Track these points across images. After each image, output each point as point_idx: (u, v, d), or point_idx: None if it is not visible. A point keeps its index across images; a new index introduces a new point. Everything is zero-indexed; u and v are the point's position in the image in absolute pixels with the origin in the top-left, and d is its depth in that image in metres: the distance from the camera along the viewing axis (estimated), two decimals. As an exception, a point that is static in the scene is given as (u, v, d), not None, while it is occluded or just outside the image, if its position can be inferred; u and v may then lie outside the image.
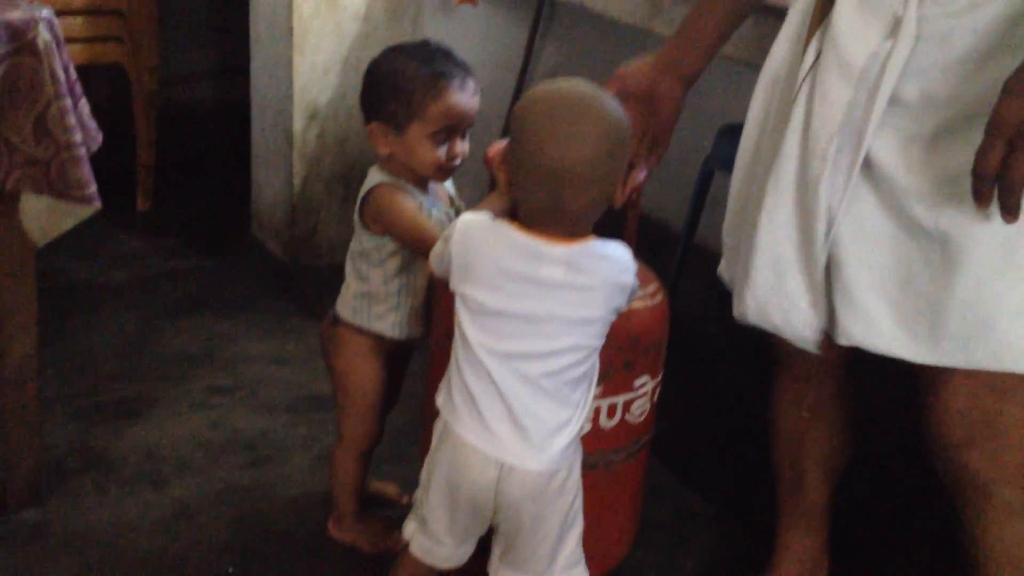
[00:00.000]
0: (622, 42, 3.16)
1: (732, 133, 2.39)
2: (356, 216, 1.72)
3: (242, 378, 2.40)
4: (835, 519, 1.77)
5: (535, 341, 1.35)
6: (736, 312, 1.52)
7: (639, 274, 1.73)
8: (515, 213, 1.41)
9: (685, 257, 2.48)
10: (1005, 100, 1.18)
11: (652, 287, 1.72)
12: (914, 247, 1.36)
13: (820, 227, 1.38)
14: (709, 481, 2.13)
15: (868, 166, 1.37)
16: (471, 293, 1.37)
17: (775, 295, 1.45)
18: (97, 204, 1.82)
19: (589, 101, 1.32)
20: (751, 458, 2.17)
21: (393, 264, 1.71)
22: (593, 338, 1.39)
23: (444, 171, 1.70)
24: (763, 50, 1.57)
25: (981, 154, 1.20)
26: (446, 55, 1.69)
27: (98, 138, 1.86)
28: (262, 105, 3.01)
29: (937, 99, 1.32)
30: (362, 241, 1.73)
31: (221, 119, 3.70)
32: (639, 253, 1.90)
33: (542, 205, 1.34)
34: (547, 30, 3.19)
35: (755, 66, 1.91)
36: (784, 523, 1.77)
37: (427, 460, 1.47)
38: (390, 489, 2.01)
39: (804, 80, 1.40)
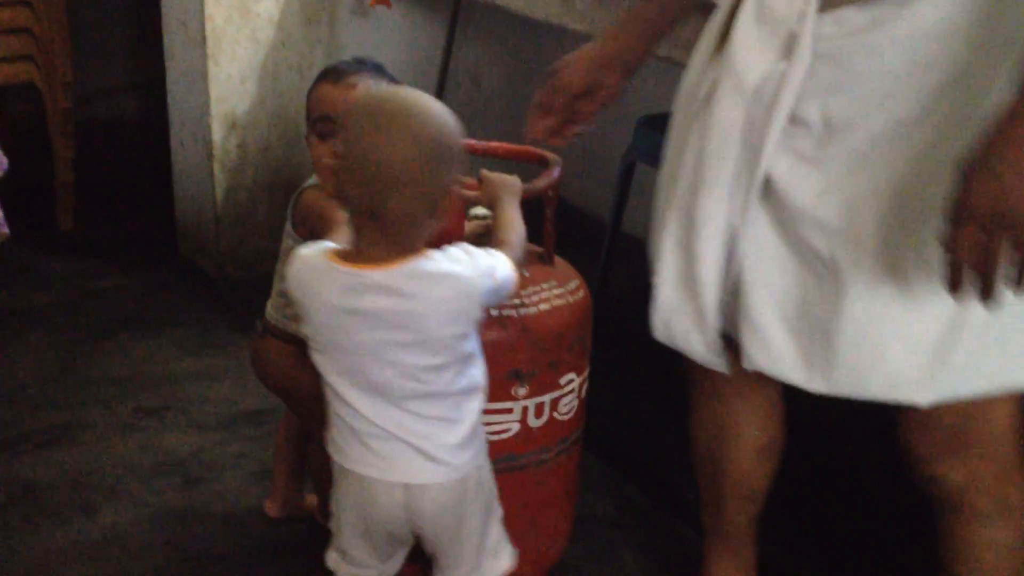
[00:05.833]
0: (538, 38, 3.16)
1: (651, 124, 2.40)
2: (288, 214, 1.70)
3: (171, 398, 2.36)
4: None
5: (384, 370, 1.31)
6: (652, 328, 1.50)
7: (559, 272, 1.73)
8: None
9: (613, 248, 2.49)
10: (970, 185, 1.11)
11: (573, 283, 1.72)
12: (808, 272, 1.34)
13: (706, 248, 1.37)
14: (646, 473, 2.13)
15: (768, 188, 1.34)
16: (313, 333, 1.35)
17: (677, 314, 1.44)
18: (5, 231, 1.78)
19: (411, 104, 1.29)
20: (687, 449, 2.18)
21: None
22: (452, 350, 1.33)
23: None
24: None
25: (953, 243, 1.13)
26: (357, 59, 1.71)
27: (2, 163, 1.82)
28: (180, 117, 2.96)
29: (838, 123, 1.28)
30: (289, 241, 1.70)
31: (143, 133, 3.63)
32: (568, 247, 1.90)
33: (359, 207, 1.29)
34: (465, 28, 3.17)
35: (677, 62, 1.91)
36: (708, 545, 1.73)
37: (332, 494, 1.44)
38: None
39: (702, 100, 1.38)
